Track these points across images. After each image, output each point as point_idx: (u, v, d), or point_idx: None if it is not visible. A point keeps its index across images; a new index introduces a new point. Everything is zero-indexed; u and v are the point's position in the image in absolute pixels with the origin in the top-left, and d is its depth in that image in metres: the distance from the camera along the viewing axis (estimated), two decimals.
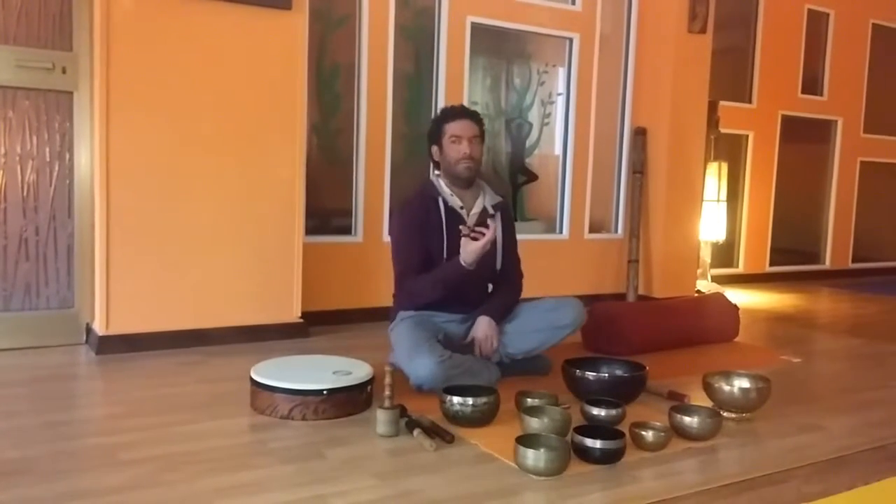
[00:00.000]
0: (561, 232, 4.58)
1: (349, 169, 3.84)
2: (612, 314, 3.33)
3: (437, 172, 2.85)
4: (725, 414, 2.32)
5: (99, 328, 3.00)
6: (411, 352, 2.50)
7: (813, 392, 2.85)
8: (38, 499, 1.68)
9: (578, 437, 1.95)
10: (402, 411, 2.20)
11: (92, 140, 3.03)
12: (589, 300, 3.23)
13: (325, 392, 2.25)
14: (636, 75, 4.72)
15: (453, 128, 2.72)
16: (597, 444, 1.92)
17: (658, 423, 2.14)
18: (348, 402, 2.29)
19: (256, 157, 3.22)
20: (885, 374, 3.16)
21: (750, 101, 5.67)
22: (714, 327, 3.59)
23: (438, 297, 2.66)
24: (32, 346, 3.01)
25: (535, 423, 2.04)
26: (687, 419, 2.15)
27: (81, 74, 3.02)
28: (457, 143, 2.71)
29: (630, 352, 3.06)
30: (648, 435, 2.07)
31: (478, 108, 2.90)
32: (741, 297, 4.86)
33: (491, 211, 2.79)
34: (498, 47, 4.42)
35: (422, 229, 2.69)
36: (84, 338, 3.12)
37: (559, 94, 4.58)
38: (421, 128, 4.06)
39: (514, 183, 4.55)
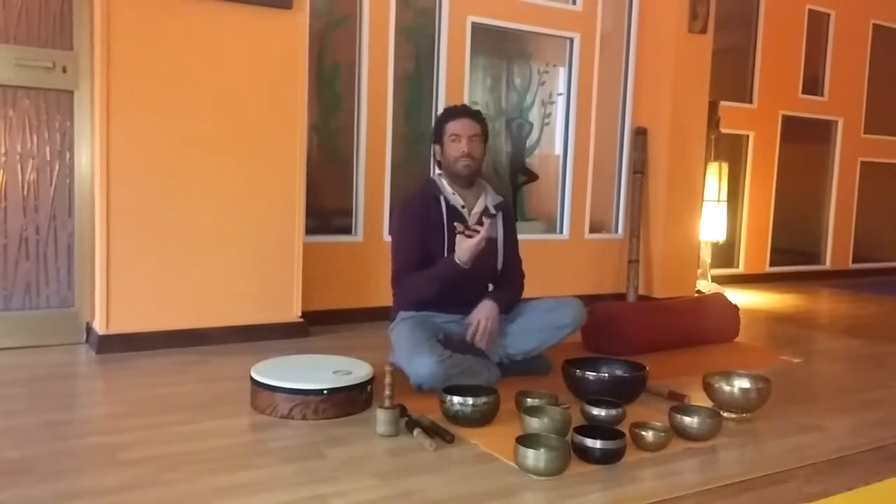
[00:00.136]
0: (561, 232, 4.58)
1: (349, 168, 3.84)
2: (613, 314, 3.33)
3: (439, 171, 2.85)
4: (725, 414, 2.32)
5: (99, 327, 3.00)
6: (412, 351, 2.50)
7: (813, 392, 2.85)
8: (37, 498, 1.68)
9: (578, 437, 1.95)
10: (402, 411, 2.20)
11: (92, 139, 3.03)
12: (589, 300, 3.23)
13: (325, 392, 2.25)
14: (637, 75, 4.72)
15: (453, 126, 2.72)
16: (597, 444, 1.92)
17: (658, 424, 2.14)
18: (348, 401, 2.29)
19: (256, 157, 3.22)
20: (885, 374, 3.16)
21: (750, 102, 5.67)
22: (714, 327, 3.59)
23: (434, 295, 2.65)
24: (32, 345, 3.02)
25: (535, 423, 2.04)
26: (687, 419, 2.15)
27: (82, 74, 3.02)
28: (456, 142, 2.71)
29: (630, 352, 3.06)
30: (648, 435, 2.07)
31: (478, 108, 2.90)
32: (741, 298, 4.86)
33: (492, 210, 2.79)
34: (498, 47, 4.42)
35: (422, 227, 2.69)
36: (84, 337, 3.12)
37: (560, 94, 4.58)
38: (421, 128, 4.06)
39: (514, 183, 4.55)
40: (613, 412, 2.19)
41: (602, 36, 4.56)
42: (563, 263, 4.49)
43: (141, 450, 1.98)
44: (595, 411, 2.19)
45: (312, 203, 3.58)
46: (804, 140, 6.10)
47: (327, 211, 3.87)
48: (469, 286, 2.69)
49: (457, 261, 2.55)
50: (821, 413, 2.51)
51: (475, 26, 4.10)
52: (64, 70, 3.00)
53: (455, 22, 4.03)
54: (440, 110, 3.81)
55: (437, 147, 2.79)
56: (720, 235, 5.21)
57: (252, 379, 2.32)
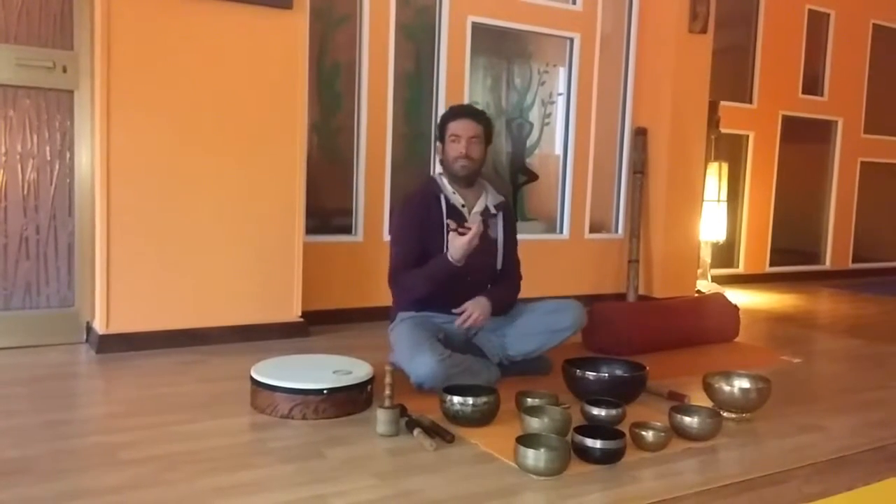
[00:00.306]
0: (561, 232, 4.58)
1: (349, 168, 3.84)
2: (613, 314, 3.33)
3: (440, 170, 2.85)
4: (725, 414, 2.32)
5: (99, 327, 3.00)
6: (412, 350, 2.50)
7: (813, 392, 2.85)
8: (38, 498, 1.68)
9: (578, 437, 1.95)
10: (403, 411, 2.20)
11: (92, 139, 3.03)
12: (589, 300, 3.23)
13: (325, 391, 2.25)
14: (637, 75, 4.72)
15: (454, 126, 2.72)
16: (597, 444, 1.92)
17: (658, 424, 2.14)
18: (348, 401, 2.29)
19: (256, 157, 3.22)
20: (885, 374, 3.16)
21: (750, 102, 5.67)
22: (714, 327, 3.59)
23: (428, 293, 2.65)
24: (32, 344, 3.01)
25: (535, 423, 2.04)
26: (687, 419, 2.15)
27: (82, 73, 3.02)
28: (456, 142, 2.71)
29: (630, 352, 3.06)
30: (648, 435, 2.07)
31: (482, 109, 2.90)
32: (741, 298, 4.86)
33: (493, 210, 2.79)
34: (499, 47, 4.42)
35: (421, 225, 2.69)
36: (84, 337, 3.12)
37: (560, 94, 4.58)
38: (421, 127, 4.06)
39: (514, 183, 4.55)
40: (613, 412, 2.19)
41: (602, 36, 4.56)
42: (563, 263, 4.49)
43: (141, 449, 1.98)
44: (595, 411, 2.19)
45: (312, 203, 3.58)
46: (804, 140, 6.10)
47: (327, 211, 3.87)
48: (469, 286, 2.68)
49: (450, 258, 2.55)
50: (821, 413, 2.51)
51: (475, 26, 4.10)
52: (64, 70, 3.00)
53: (455, 22, 4.03)
54: (440, 110, 3.82)
55: (440, 145, 2.79)
56: (720, 235, 5.21)
57: (252, 379, 2.33)
